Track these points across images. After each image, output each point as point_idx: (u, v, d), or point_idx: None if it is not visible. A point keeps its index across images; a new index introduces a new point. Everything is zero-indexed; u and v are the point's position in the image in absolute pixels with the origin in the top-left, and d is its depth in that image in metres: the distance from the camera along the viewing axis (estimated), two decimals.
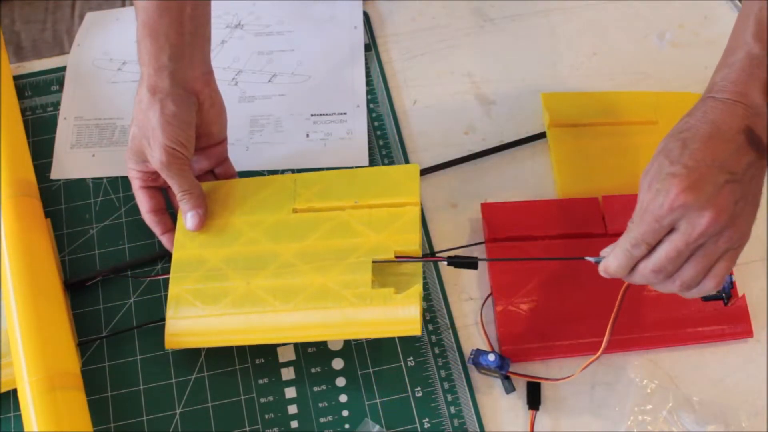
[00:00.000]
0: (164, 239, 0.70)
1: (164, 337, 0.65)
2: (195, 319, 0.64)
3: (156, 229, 0.70)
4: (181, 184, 0.66)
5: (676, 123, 0.57)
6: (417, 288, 0.62)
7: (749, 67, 0.56)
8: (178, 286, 0.66)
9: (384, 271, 0.64)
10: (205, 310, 0.64)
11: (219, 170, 0.73)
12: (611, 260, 0.57)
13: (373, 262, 0.64)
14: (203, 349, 0.68)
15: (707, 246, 0.54)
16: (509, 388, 0.66)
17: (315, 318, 0.62)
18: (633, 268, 0.57)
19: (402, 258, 0.64)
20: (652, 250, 0.55)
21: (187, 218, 0.67)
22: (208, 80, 0.68)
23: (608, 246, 0.59)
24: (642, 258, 0.56)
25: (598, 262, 0.59)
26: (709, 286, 0.56)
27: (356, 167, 0.75)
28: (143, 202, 0.70)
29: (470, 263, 0.64)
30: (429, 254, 0.72)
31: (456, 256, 0.65)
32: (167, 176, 0.66)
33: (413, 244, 0.64)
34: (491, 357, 0.65)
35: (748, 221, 0.55)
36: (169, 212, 0.71)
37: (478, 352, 0.66)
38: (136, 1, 0.66)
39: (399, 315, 0.61)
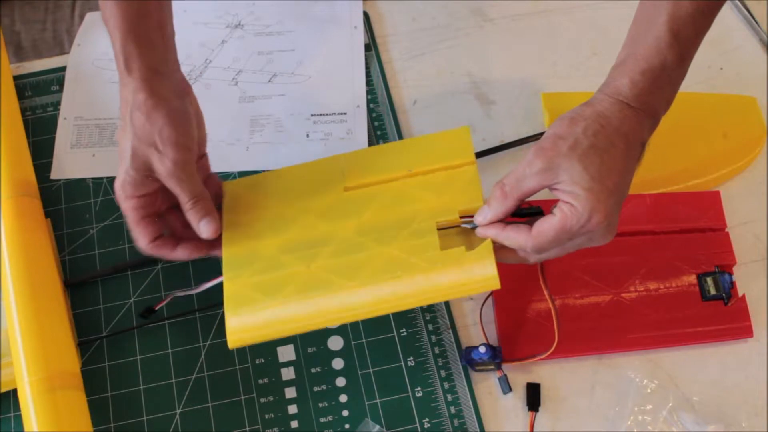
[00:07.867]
0: (180, 251, 0.63)
1: (226, 338, 0.60)
2: (258, 313, 0.60)
3: (164, 252, 0.63)
4: (193, 188, 0.61)
5: (583, 113, 0.56)
6: (488, 243, 0.59)
7: (661, 81, 0.56)
8: (234, 284, 0.62)
9: (450, 232, 0.62)
10: (267, 302, 0.60)
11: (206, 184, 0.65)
12: (512, 235, 0.58)
13: (438, 228, 0.61)
14: (203, 349, 0.68)
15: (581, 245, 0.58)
16: (506, 389, 0.66)
17: (386, 290, 0.59)
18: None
19: (468, 218, 0.61)
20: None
21: (201, 227, 0.62)
22: (189, 85, 0.65)
23: (479, 214, 0.59)
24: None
25: (474, 228, 0.60)
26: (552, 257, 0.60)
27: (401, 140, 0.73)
28: (144, 235, 0.62)
29: (536, 212, 0.61)
30: None
31: (522, 207, 0.60)
32: (180, 179, 0.60)
33: (476, 201, 0.61)
34: (482, 349, 0.65)
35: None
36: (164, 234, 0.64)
37: (469, 350, 0.65)
38: (109, 10, 0.61)
39: (475, 273, 0.59)
